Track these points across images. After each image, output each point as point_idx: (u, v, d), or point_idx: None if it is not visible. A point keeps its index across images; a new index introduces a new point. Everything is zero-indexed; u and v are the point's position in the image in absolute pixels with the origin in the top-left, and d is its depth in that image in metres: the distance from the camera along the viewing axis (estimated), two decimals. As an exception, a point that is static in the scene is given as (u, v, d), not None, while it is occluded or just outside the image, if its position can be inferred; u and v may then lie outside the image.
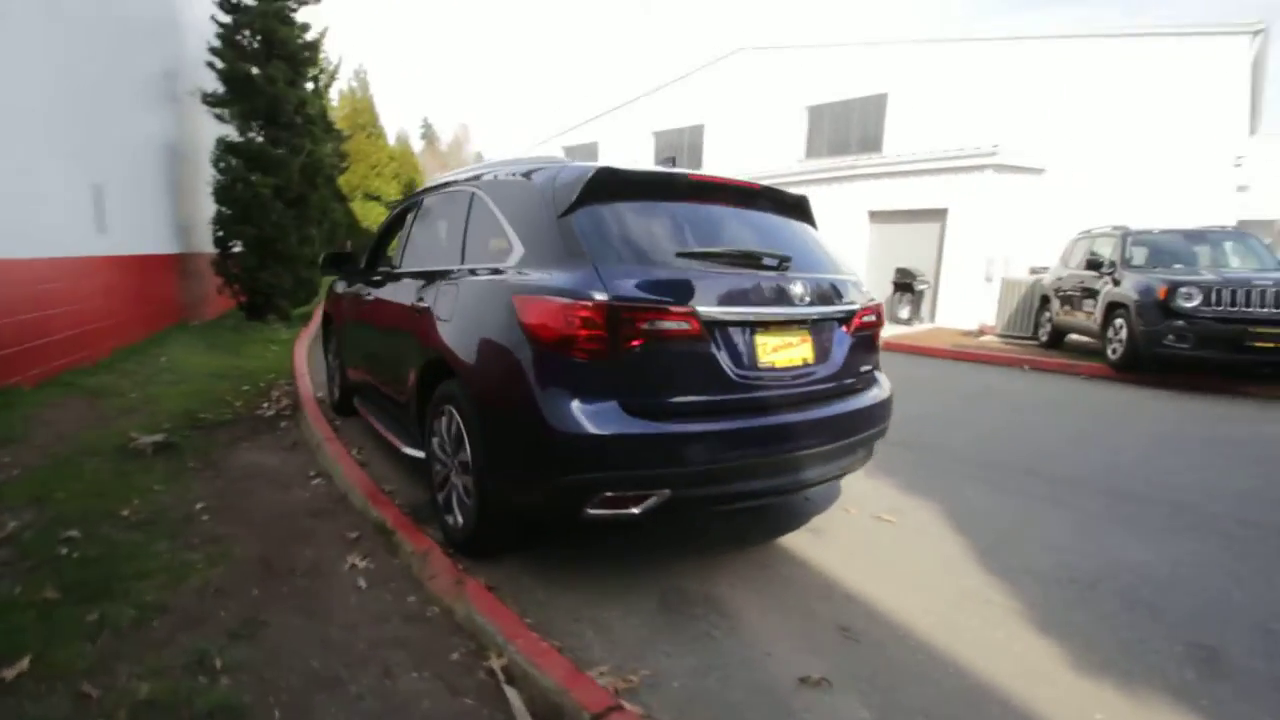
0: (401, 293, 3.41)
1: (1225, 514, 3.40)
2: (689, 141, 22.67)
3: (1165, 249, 7.88)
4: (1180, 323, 6.57)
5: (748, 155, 19.84)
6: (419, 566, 2.47)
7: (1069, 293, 8.96)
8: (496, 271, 2.51)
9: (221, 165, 8.51)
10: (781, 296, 2.44)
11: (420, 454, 3.18)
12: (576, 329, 2.11)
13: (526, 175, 2.67)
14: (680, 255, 2.37)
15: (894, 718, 1.86)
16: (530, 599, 2.38)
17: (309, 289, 9.96)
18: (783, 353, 2.45)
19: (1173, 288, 6.64)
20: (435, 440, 2.87)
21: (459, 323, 2.60)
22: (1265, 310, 6.30)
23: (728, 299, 2.31)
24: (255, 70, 8.62)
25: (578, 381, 2.14)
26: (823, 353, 2.61)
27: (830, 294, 2.62)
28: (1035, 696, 1.96)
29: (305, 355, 7.22)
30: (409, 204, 4.03)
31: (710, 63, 21.37)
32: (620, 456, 2.12)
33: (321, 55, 9.54)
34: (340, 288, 4.85)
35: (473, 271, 2.71)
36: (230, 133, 8.77)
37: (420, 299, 3.02)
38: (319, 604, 2.25)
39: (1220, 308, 6.44)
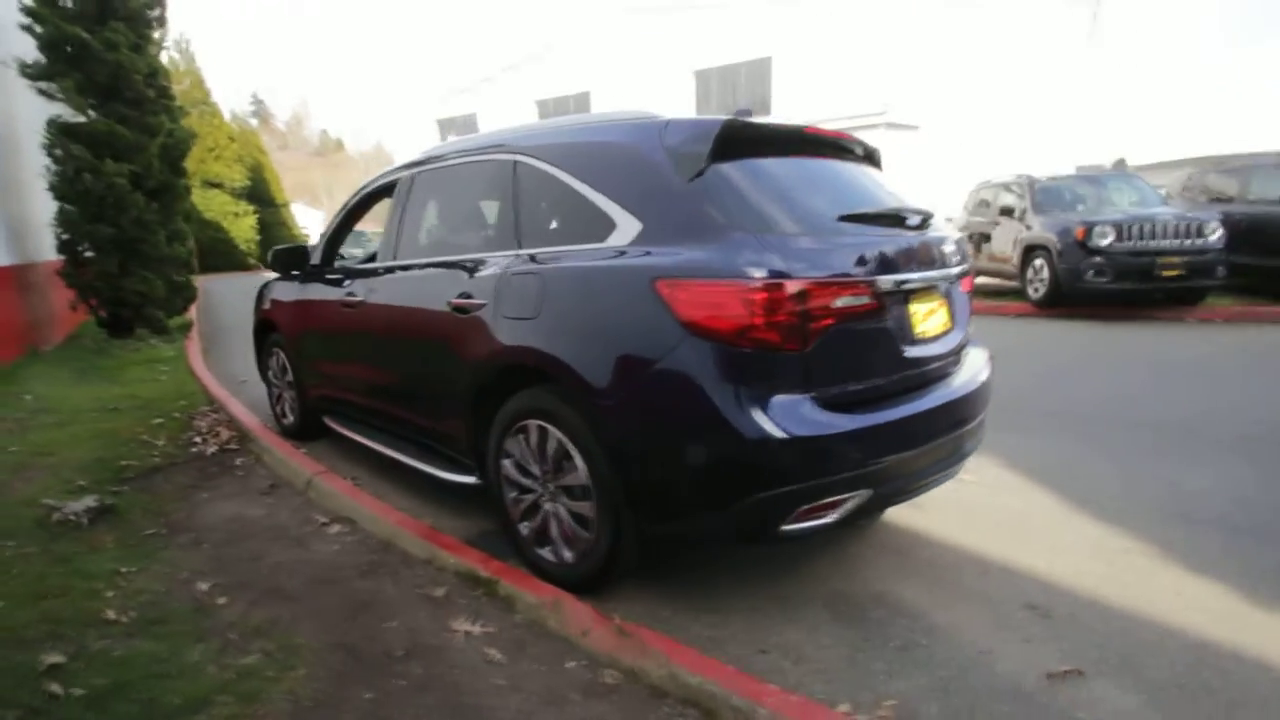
0: (416, 292, 2.81)
1: (1234, 433, 3.66)
2: (575, 108, 21.91)
3: (1065, 192, 8.54)
4: (1098, 259, 7.14)
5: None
6: (556, 621, 2.02)
7: (978, 238, 9.54)
8: (613, 254, 2.04)
9: (58, 153, 6.93)
10: (926, 257, 2.19)
11: (471, 480, 2.67)
12: (759, 315, 1.74)
13: (614, 135, 2.20)
14: (843, 219, 2.04)
15: (1166, 699, 1.73)
16: (695, 635, 2.02)
17: (186, 295, 8.51)
18: (929, 320, 2.22)
19: (1089, 227, 7.19)
20: (509, 462, 2.39)
21: (556, 320, 2.12)
22: (1169, 242, 6.99)
23: (890, 265, 2.03)
24: (88, 34, 7.04)
25: (763, 378, 1.78)
26: (953, 316, 2.40)
27: (953, 250, 2.41)
28: (1260, 643, 1.91)
29: (210, 374, 6.12)
30: (382, 185, 3.35)
31: (594, 26, 20.66)
32: (825, 459, 1.80)
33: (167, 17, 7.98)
34: (283, 292, 4.04)
35: (551, 256, 2.23)
36: (63, 112, 7.15)
37: (464, 295, 2.47)
38: (461, 695, 1.76)
39: (1131, 243, 7.06)
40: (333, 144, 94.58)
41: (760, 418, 1.75)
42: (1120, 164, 11.93)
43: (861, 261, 1.93)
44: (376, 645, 1.98)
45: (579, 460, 2.10)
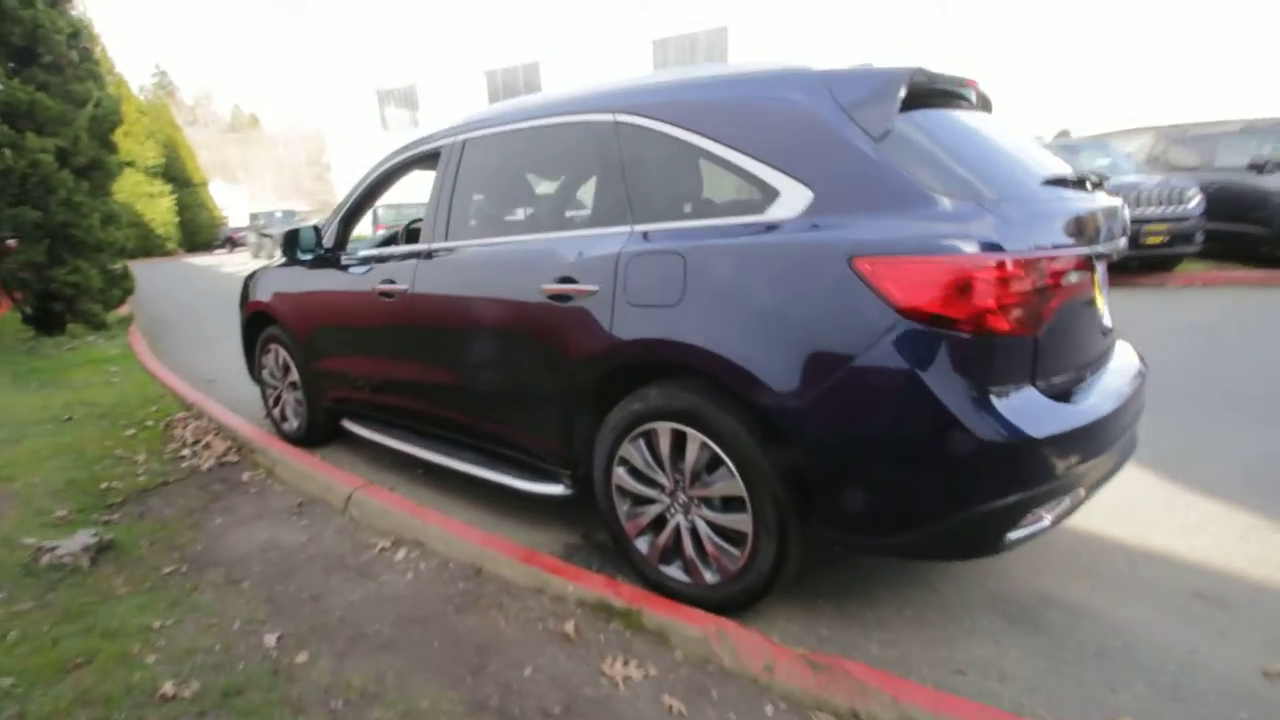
0: (488, 278, 2.42)
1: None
2: (525, 80, 21.03)
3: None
4: (1087, 228, 7.24)
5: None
6: (729, 656, 1.74)
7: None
8: (783, 228, 1.73)
9: (-34, 124, 5.99)
10: (1108, 226, 1.96)
11: (557, 490, 2.35)
12: (995, 296, 1.48)
13: (762, 90, 1.87)
14: (1047, 183, 1.79)
15: None
16: (874, 657, 1.79)
17: (124, 286, 7.63)
18: (1099, 296, 2.01)
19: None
20: (624, 470, 2.09)
21: (708, 308, 1.80)
22: (1153, 210, 7.14)
23: (1094, 235, 1.81)
24: (-8, -15, 6.06)
25: (996, 368, 1.53)
26: (1105, 291, 2.21)
27: (1120, 217, 2.19)
28: None
29: (171, 373, 5.46)
30: (417, 155, 2.91)
31: (541, -7, 19.72)
32: (1061, 458, 1.58)
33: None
34: (286, 281, 3.53)
35: (688, 233, 1.90)
36: (-33, 77, 6.18)
37: (564, 280, 2.11)
38: (653, 763, 1.46)
39: (1119, 211, 7.18)
40: (247, 119, 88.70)
41: (1000, 415, 1.50)
42: (1063, 134, 12.22)
43: (1075, 231, 1.69)
44: (525, 702, 1.64)
45: (733, 468, 1.81)
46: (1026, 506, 1.57)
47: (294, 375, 3.61)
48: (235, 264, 21.41)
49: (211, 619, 2.09)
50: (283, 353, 3.66)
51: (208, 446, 3.71)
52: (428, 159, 2.91)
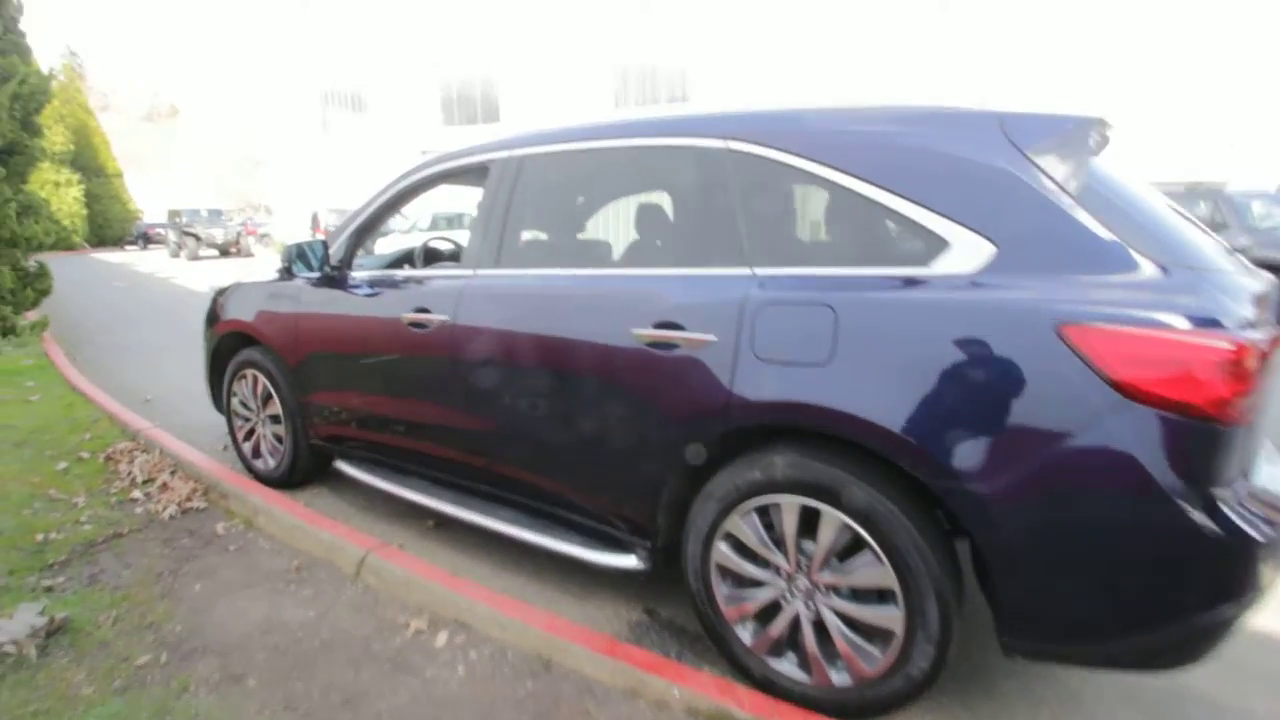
0: (560, 314, 2.10)
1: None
2: (482, 94, 20.59)
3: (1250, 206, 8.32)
4: None
5: (552, 109, 18.55)
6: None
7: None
8: (959, 284, 1.52)
9: None
10: (1275, 302, 1.84)
11: (630, 563, 2.05)
12: (1230, 379, 1.31)
13: (926, 129, 1.67)
14: (1228, 253, 1.66)
15: None
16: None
17: (39, 286, 6.73)
18: None
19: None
20: (726, 547, 1.82)
21: (868, 370, 1.55)
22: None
23: (1271, 313, 1.68)
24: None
25: (1219, 458, 1.35)
26: None
27: None
28: None
29: (101, 391, 4.77)
30: (457, 167, 2.56)
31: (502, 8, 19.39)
32: (1273, 560, 1.41)
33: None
34: (277, 299, 3.07)
35: (835, 283, 1.66)
36: None
37: (667, 325, 1.83)
38: None
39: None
40: (166, 108, 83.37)
41: (1231, 512, 1.32)
42: (1197, 186, 11.01)
43: (1262, 307, 1.56)
44: None
45: (882, 556, 1.57)
46: (1241, 611, 1.40)
47: (276, 407, 3.13)
48: (151, 263, 19.79)
49: (217, 734, 1.66)
50: (262, 380, 3.17)
51: (165, 488, 3.16)
52: (469, 174, 2.57)
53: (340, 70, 22.25)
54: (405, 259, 3.28)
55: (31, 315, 7.54)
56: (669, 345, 1.84)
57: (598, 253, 2.41)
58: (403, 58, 21.06)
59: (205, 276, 14.71)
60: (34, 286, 6.53)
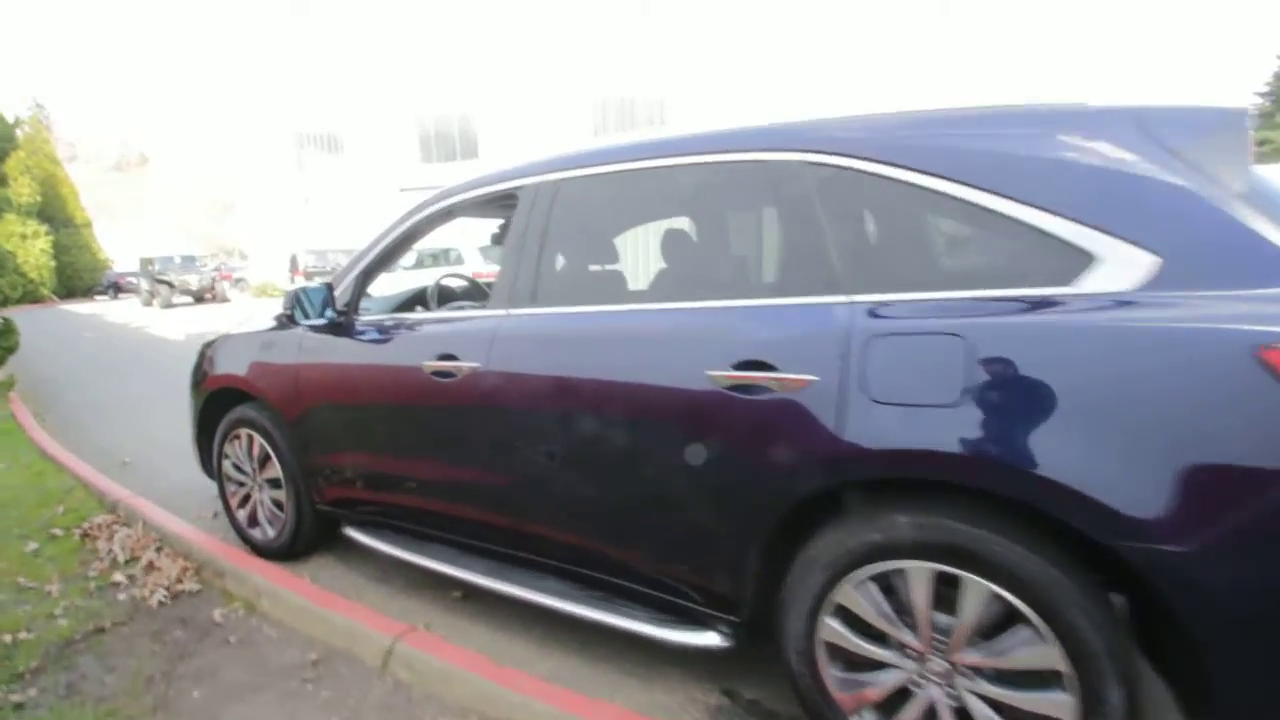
0: (613, 355, 1.83)
1: None
2: (460, 130, 20.51)
3: None
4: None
5: (531, 142, 18.50)
6: None
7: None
8: (1112, 303, 1.29)
9: None
10: None
11: (712, 642, 1.77)
12: None
13: (1062, 125, 1.45)
14: None
15: None
16: None
17: (4, 344, 6.32)
18: None
19: None
20: (836, 623, 1.55)
21: (1013, 410, 1.31)
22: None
23: None
24: None
25: None
26: None
27: None
28: None
29: (71, 454, 4.38)
30: (479, 196, 2.31)
31: (478, 43, 19.44)
32: None
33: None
34: (273, 349, 2.77)
35: (957, 308, 1.42)
36: None
37: (749, 365, 1.58)
38: None
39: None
40: (135, 157, 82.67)
41: None
42: None
43: None
44: None
45: (1047, 632, 1.31)
46: None
47: (274, 470, 2.81)
48: (121, 313, 19.24)
49: None
50: (259, 440, 2.85)
51: (151, 568, 2.80)
52: (491, 204, 2.33)
53: (315, 111, 22.06)
54: (417, 300, 2.99)
55: (2, 373, 7.10)
56: (754, 388, 1.58)
57: (652, 286, 2.16)
58: (379, 97, 20.95)
59: (180, 324, 14.25)
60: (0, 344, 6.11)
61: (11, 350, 6.33)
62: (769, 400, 1.56)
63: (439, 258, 13.15)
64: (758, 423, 1.58)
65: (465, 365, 2.09)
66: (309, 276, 16.41)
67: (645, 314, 1.86)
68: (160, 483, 3.89)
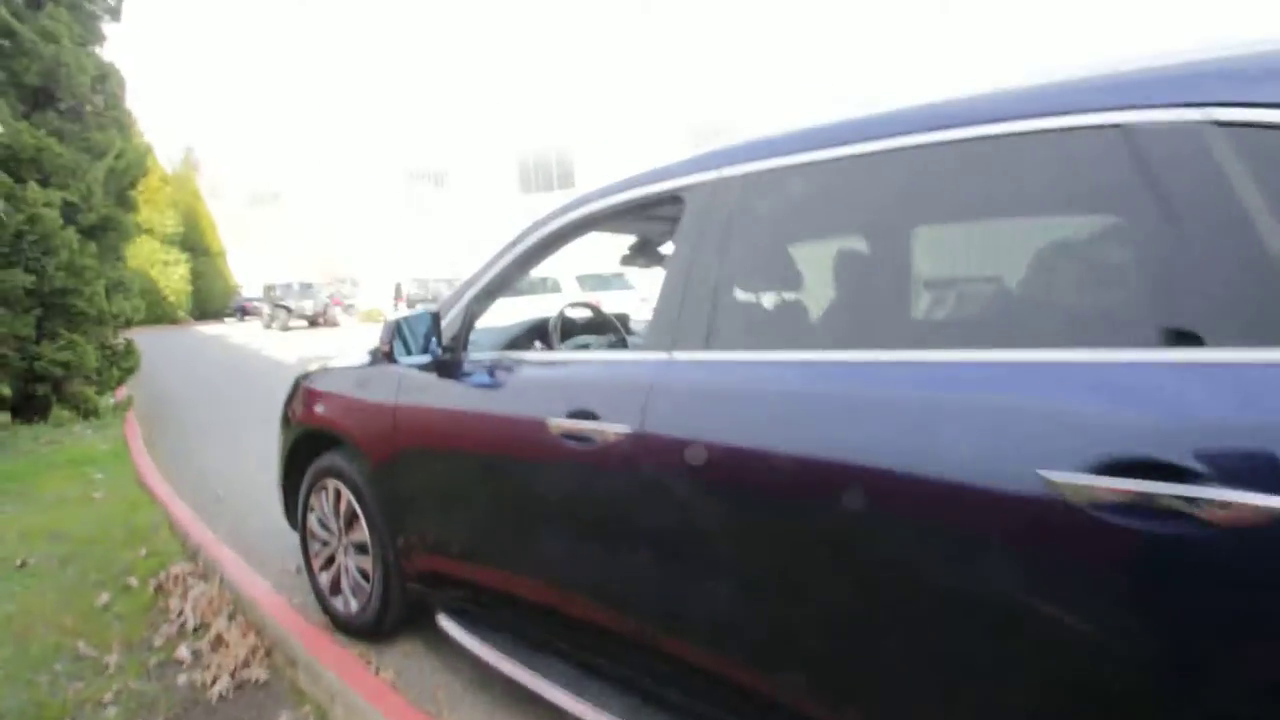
0: (865, 430, 1.17)
1: None
2: (557, 161, 20.79)
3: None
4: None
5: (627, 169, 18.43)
6: None
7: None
8: None
9: (-43, 171, 4.99)
10: None
11: None
12: None
13: None
14: None
15: None
16: None
17: (125, 365, 6.45)
18: None
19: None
20: None
21: None
22: None
23: None
24: (16, 20, 5.21)
25: None
26: None
27: None
28: None
29: (169, 487, 4.19)
30: (619, 204, 1.76)
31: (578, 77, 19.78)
32: None
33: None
34: (366, 386, 2.33)
35: None
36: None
37: (1155, 469, 0.89)
38: None
39: None
40: (269, 194, 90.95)
41: None
42: None
43: None
44: None
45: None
46: None
47: (363, 532, 2.34)
48: (243, 333, 20.53)
49: None
50: (347, 495, 2.40)
51: (219, 644, 2.38)
52: (644, 209, 1.77)
53: (423, 149, 23.11)
54: (536, 334, 2.48)
55: (123, 392, 7.32)
56: (1163, 511, 0.89)
57: (918, 324, 1.48)
58: (481, 133, 21.67)
59: (295, 346, 14.85)
60: (119, 365, 6.23)
61: (131, 371, 6.46)
62: (1211, 523, 0.86)
63: (535, 286, 12.64)
64: (1163, 560, 0.89)
65: (609, 429, 1.51)
66: (411, 305, 16.82)
67: (906, 371, 1.20)
68: (250, 522, 3.59)
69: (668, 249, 1.65)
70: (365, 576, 2.38)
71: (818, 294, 1.55)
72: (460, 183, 22.77)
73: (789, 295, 1.63)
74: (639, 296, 11.65)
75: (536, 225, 1.98)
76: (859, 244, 1.51)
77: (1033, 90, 1.15)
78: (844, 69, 14.23)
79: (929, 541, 1.09)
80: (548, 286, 12.34)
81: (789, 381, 1.31)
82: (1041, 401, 1.01)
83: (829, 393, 1.24)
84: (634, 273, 12.54)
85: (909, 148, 1.23)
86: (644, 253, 2.49)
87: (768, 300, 1.58)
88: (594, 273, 12.34)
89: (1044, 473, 0.96)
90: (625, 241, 2.69)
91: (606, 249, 3.63)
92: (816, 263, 1.54)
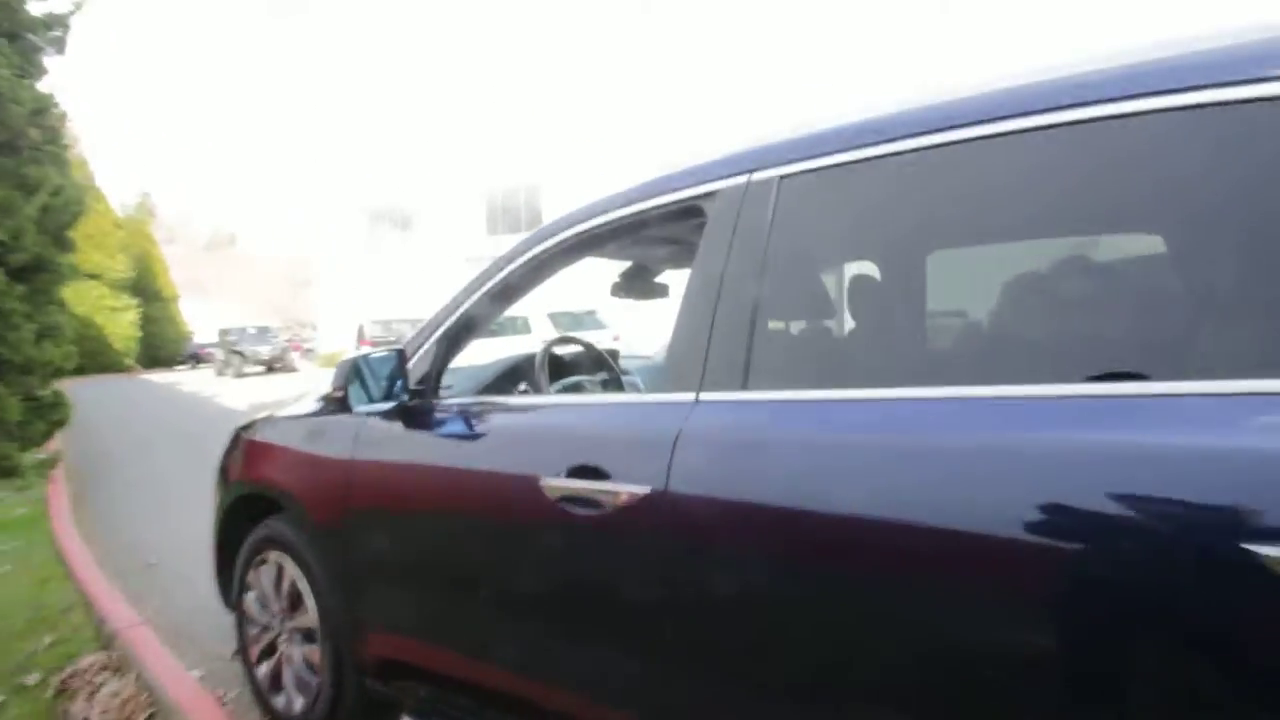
0: (968, 491, 0.88)
1: None
2: (525, 201, 20.71)
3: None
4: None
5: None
6: None
7: None
8: None
9: None
10: None
11: None
12: None
13: None
14: None
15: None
16: None
17: (53, 418, 5.87)
18: None
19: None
20: None
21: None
22: None
23: None
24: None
25: None
26: None
27: None
28: None
29: (90, 555, 3.69)
30: (630, 216, 1.48)
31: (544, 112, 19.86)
32: None
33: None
34: (319, 438, 1.97)
35: None
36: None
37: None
38: None
39: None
40: (225, 238, 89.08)
41: None
42: None
43: None
44: None
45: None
46: None
47: (309, 616, 1.95)
48: (195, 381, 19.61)
49: None
50: (291, 569, 2.01)
51: (129, 758, 1.94)
52: (652, 227, 1.50)
53: (386, 189, 22.84)
54: (518, 375, 2.16)
55: (52, 446, 6.70)
56: None
57: (1042, 350, 1.17)
58: (447, 173, 21.53)
59: (248, 394, 14.11)
60: (46, 419, 5.67)
61: (60, 424, 5.89)
62: None
63: (504, 327, 12.10)
64: None
65: (623, 490, 1.20)
66: (375, 346, 16.22)
67: (1028, 416, 0.91)
68: (181, 594, 3.15)
69: (682, 273, 1.38)
70: (313, 669, 1.98)
71: (889, 318, 1.28)
72: (425, 224, 22.50)
73: (850, 324, 1.36)
74: (611, 335, 11.23)
75: (525, 245, 1.69)
76: (950, 254, 1.26)
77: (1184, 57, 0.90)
78: (843, 73, 14.43)
79: (1080, 639, 0.80)
80: (517, 327, 11.69)
81: (859, 425, 1.03)
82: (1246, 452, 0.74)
83: (915, 441, 0.96)
84: (606, 310, 12.23)
85: (1013, 132, 0.98)
86: (639, 281, 2.21)
87: (823, 330, 1.31)
88: (565, 310, 11.86)
89: (1250, 546, 0.69)
90: (592, 274, 2.39)
91: (575, 284, 3.35)
92: (888, 279, 1.28)
